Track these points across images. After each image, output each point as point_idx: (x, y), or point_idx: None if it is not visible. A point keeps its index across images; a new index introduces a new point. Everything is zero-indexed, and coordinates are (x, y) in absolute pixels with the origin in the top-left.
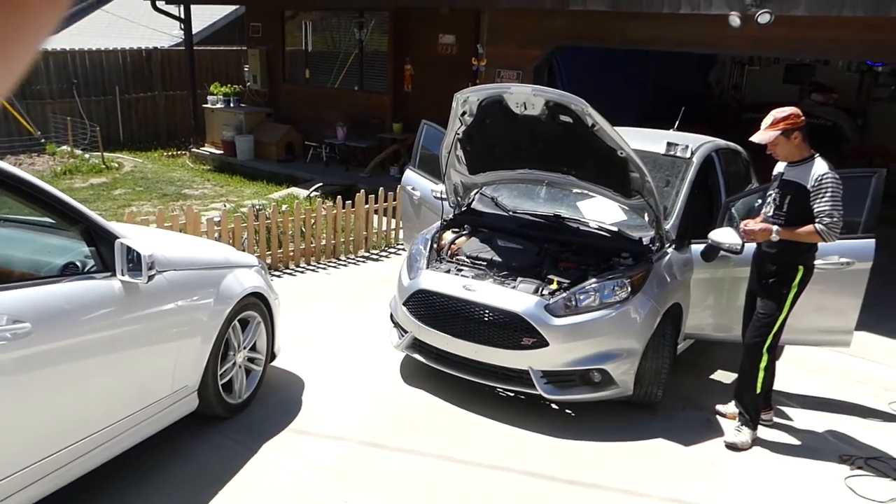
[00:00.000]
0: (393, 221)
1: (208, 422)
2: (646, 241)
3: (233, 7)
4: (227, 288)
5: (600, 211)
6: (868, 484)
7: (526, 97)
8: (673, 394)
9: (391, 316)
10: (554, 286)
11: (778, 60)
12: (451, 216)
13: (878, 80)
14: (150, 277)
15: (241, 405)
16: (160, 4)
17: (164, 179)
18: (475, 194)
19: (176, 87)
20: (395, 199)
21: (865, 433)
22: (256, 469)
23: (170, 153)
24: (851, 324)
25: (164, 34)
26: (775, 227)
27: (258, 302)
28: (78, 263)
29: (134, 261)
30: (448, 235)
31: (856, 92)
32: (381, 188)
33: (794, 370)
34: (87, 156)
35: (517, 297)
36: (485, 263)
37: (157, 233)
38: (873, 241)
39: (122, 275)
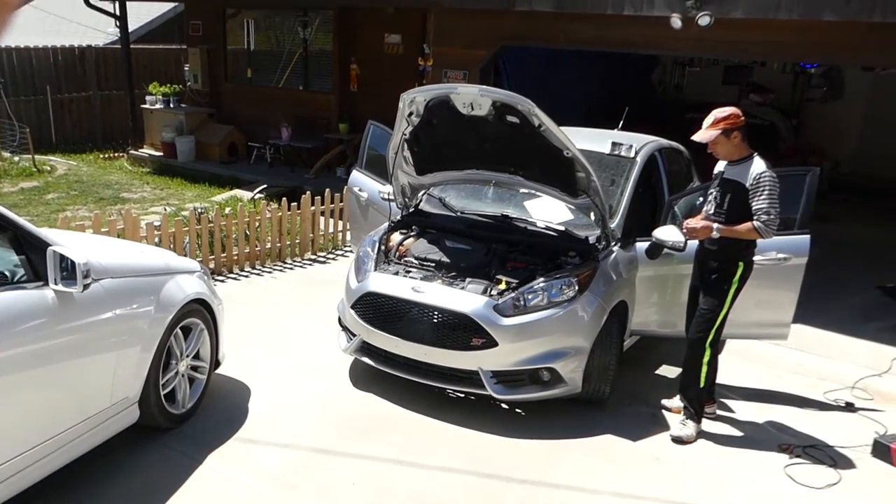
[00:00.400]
0: (340, 223)
1: (151, 433)
2: (592, 239)
3: (171, 4)
4: (167, 295)
5: (547, 210)
6: (806, 471)
7: (473, 97)
8: (620, 390)
9: (339, 319)
10: (502, 286)
11: (717, 62)
12: (398, 217)
13: (811, 81)
14: (86, 286)
15: (184, 415)
16: (94, 1)
17: (101, 183)
18: (423, 195)
19: (112, 87)
20: (341, 201)
21: (803, 422)
22: (203, 480)
23: (106, 155)
24: (789, 317)
25: (98, 32)
26: (716, 225)
27: (201, 308)
28: (6, 273)
29: (68, 269)
30: (396, 237)
31: (790, 93)
32: (327, 189)
33: (735, 363)
34: (16, 159)
35: (466, 298)
36: (433, 264)
37: (93, 239)
38: (808, 237)
39: (56, 284)
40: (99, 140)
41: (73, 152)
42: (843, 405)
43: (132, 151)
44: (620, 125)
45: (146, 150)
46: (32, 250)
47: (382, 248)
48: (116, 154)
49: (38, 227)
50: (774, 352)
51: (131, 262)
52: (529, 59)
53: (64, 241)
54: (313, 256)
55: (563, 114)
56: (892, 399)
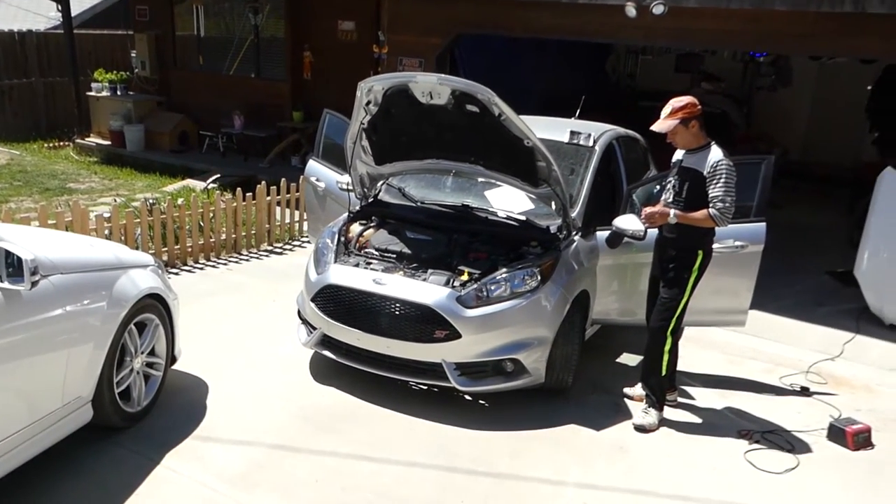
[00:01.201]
0: (297, 213)
1: (105, 433)
2: (553, 229)
3: None
4: (120, 290)
5: (508, 200)
6: (765, 457)
7: (432, 86)
8: (582, 379)
9: (298, 312)
10: (465, 277)
11: (669, 50)
12: (357, 208)
13: (760, 69)
14: (34, 284)
15: (140, 413)
16: None
17: (46, 173)
18: (382, 185)
19: (56, 74)
20: (297, 191)
21: (761, 407)
22: (159, 481)
23: (51, 144)
24: (746, 304)
25: (39, 16)
26: (672, 211)
27: (155, 303)
28: None
29: (14, 266)
30: (356, 228)
31: (740, 81)
32: (283, 179)
33: (692, 350)
34: None
35: (428, 290)
36: (394, 256)
37: (40, 233)
38: (764, 224)
39: (2, 281)
40: (43, 129)
41: (15, 141)
42: (799, 390)
43: (78, 140)
44: (577, 114)
45: (93, 140)
46: None
47: (342, 239)
48: (62, 143)
49: None
50: (730, 338)
51: (81, 257)
52: (485, 47)
53: (9, 236)
54: (270, 247)
55: (519, 102)
56: (845, 383)
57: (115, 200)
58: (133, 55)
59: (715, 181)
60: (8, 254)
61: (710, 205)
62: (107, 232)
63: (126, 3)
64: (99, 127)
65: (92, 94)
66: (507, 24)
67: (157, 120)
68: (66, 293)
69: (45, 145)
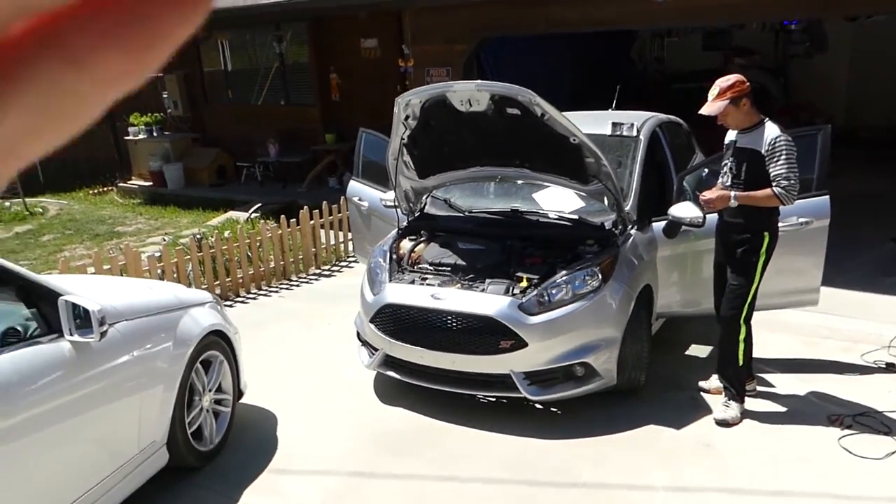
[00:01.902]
0: (340, 234)
1: (182, 474)
2: (608, 225)
3: None
4: (184, 330)
5: (557, 200)
6: (861, 442)
7: (470, 94)
8: (653, 375)
9: (358, 334)
10: (524, 284)
11: (694, 30)
12: (406, 224)
13: (792, 37)
14: (103, 334)
15: (213, 451)
16: None
17: (94, 219)
18: (427, 198)
19: (93, 122)
20: (339, 211)
21: (846, 389)
22: None
23: (96, 191)
24: (817, 282)
25: None
26: (732, 193)
27: (218, 340)
28: (19, 328)
29: (81, 317)
30: (406, 244)
31: (773, 51)
32: (323, 202)
33: (764, 334)
34: (7, 204)
35: (488, 300)
36: (449, 269)
37: (99, 280)
38: (828, 197)
39: (71, 335)
40: (87, 176)
41: (62, 191)
42: (884, 366)
43: (121, 184)
44: (614, 104)
45: (135, 182)
46: (42, 301)
47: (394, 256)
48: (105, 188)
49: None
50: (802, 317)
51: (143, 301)
52: (508, 48)
53: (72, 287)
54: (318, 271)
55: (549, 98)
56: None
57: (164, 239)
58: (165, 96)
59: (775, 158)
60: (75, 306)
61: (774, 183)
62: (159, 271)
63: None
64: (139, 169)
65: (129, 137)
66: (530, 22)
67: (194, 156)
68: (132, 339)
69: (90, 192)
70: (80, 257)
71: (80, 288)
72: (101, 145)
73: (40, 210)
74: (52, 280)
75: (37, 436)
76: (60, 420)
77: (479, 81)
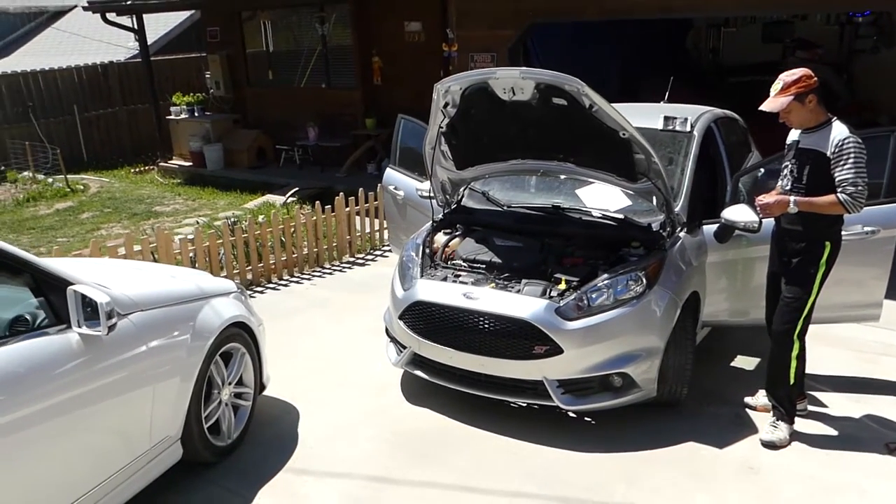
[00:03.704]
0: (376, 222)
1: (196, 469)
2: (656, 226)
3: (187, 13)
4: (203, 322)
5: (601, 198)
6: None
7: (514, 81)
8: (695, 388)
9: (386, 330)
10: (562, 286)
11: (754, 19)
12: (441, 216)
13: (859, 31)
14: (111, 327)
15: (231, 447)
16: (111, 16)
17: (133, 198)
18: (464, 190)
19: (137, 101)
20: (376, 199)
21: None
22: None
23: (137, 169)
24: (880, 296)
25: (120, 47)
26: (792, 198)
27: (240, 332)
28: (27, 317)
29: (91, 308)
30: (440, 238)
31: (837, 45)
32: (360, 188)
33: (818, 348)
34: (50, 180)
35: (524, 302)
36: (484, 266)
37: (120, 267)
38: None
39: (79, 326)
40: (129, 154)
41: (104, 169)
42: None
43: (162, 164)
44: (667, 97)
45: (175, 161)
46: (52, 291)
47: (427, 251)
48: (147, 167)
49: (63, 257)
50: (860, 332)
51: (162, 291)
52: (557, 35)
53: (88, 275)
54: (352, 259)
55: (597, 89)
56: None
57: (198, 222)
58: (207, 76)
59: (842, 162)
60: (83, 297)
61: (839, 189)
62: (191, 254)
63: (198, 26)
64: (180, 149)
65: (171, 117)
66: (579, 8)
67: (234, 138)
68: (147, 331)
69: (132, 171)
70: (115, 236)
71: (98, 275)
72: (144, 124)
73: (81, 187)
74: (65, 268)
75: (42, 428)
76: (67, 413)
77: (523, 68)
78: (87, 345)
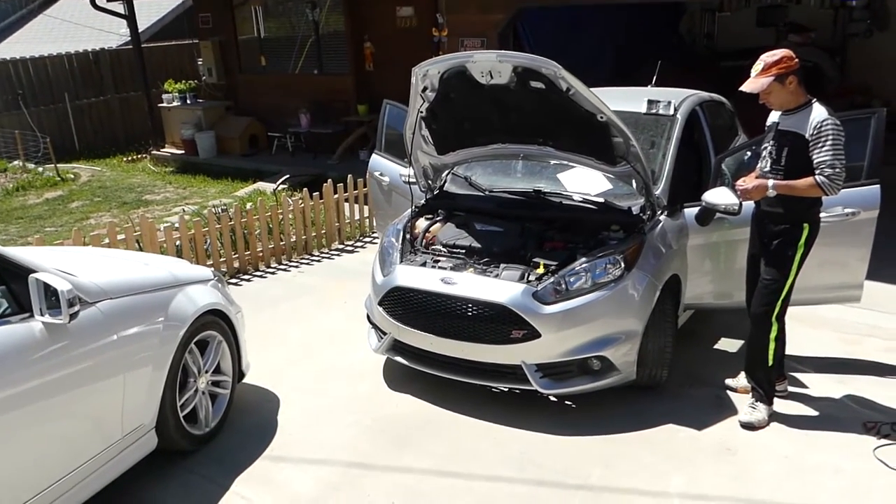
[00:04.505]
0: (366, 209)
1: (174, 457)
2: (635, 210)
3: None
4: (177, 309)
5: (583, 182)
6: None
7: (491, 65)
8: (677, 370)
9: (368, 317)
10: (541, 270)
11: (748, 3)
12: (422, 201)
13: (853, 14)
14: (73, 315)
15: (208, 435)
16: (100, 2)
17: (124, 186)
18: (447, 175)
19: (129, 89)
20: (365, 186)
21: (886, 394)
22: None
23: (129, 158)
24: (861, 277)
25: (111, 34)
26: (771, 182)
27: (217, 320)
28: None
29: (55, 295)
30: (422, 223)
31: (831, 29)
32: (349, 175)
33: (801, 330)
34: (40, 169)
35: (502, 287)
36: (463, 251)
37: (90, 255)
38: (878, 187)
39: (41, 315)
40: (121, 143)
41: (96, 157)
42: None
43: (154, 152)
44: (654, 81)
45: (168, 150)
46: (13, 279)
47: (408, 236)
48: (139, 156)
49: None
50: (842, 313)
51: (132, 279)
52: (549, 19)
53: (58, 263)
54: (340, 246)
55: (589, 74)
56: None
57: (184, 210)
58: (199, 63)
59: (820, 144)
60: (46, 286)
61: (817, 171)
62: (177, 243)
63: (190, 13)
64: (172, 137)
65: (163, 105)
66: None
67: (226, 125)
68: (116, 319)
69: (124, 159)
70: (103, 226)
71: (68, 264)
72: (136, 112)
73: (72, 176)
74: (29, 256)
75: (7, 418)
76: (33, 402)
77: (500, 52)
78: (51, 333)
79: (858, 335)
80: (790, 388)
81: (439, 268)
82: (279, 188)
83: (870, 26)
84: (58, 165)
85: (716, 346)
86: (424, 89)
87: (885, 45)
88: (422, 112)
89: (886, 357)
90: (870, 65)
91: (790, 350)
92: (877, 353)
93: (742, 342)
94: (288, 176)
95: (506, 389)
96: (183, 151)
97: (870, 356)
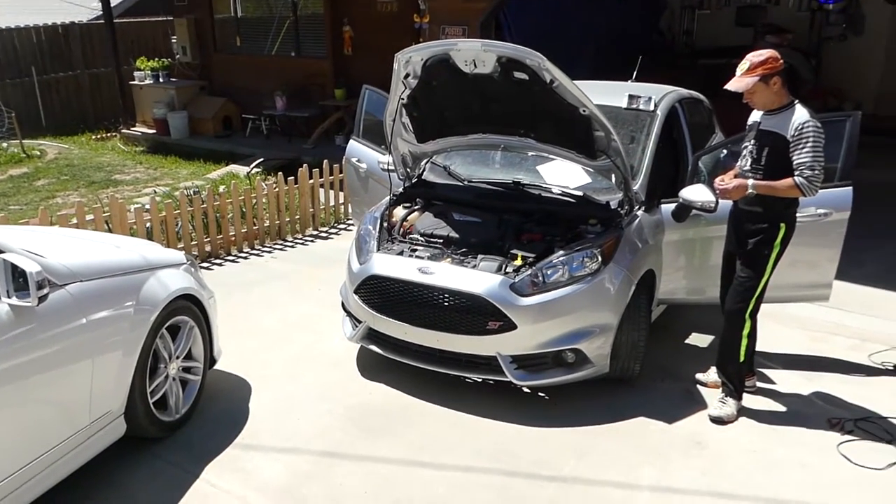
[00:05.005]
0: (341, 195)
1: (143, 443)
2: (614, 204)
3: None
4: (148, 294)
5: (562, 175)
6: (862, 449)
7: (475, 53)
8: (649, 364)
9: (343, 304)
10: (518, 262)
11: (728, 3)
12: (400, 189)
13: (829, 18)
14: (42, 298)
15: (179, 421)
16: None
17: (93, 165)
18: (426, 164)
19: (100, 65)
20: (341, 172)
21: (850, 391)
22: (197, 496)
23: (99, 136)
24: (830, 277)
25: (82, 7)
26: (750, 182)
27: (189, 305)
28: None
29: (22, 277)
30: (399, 211)
31: (807, 32)
32: (325, 161)
33: (771, 327)
34: (4, 145)
35: (479, 278)
36: (441, 241)
37: (62, 236)
38: (850, 189)
39: (9, 297)
40: (90, 120)
41: (64, 134)
42: (892, 368)
43: (124, 130)
44: (634, 76)
45: (139, 129)
46: None
47: (385, 224)
48: (109, 134)
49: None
50: (811, 311)
51: (103, 262)
52: (532, 11)
53: (25, 244)
54: (315, 232)
55: (570, 67)
56: None
57: (155, 192)
58: (174, 41)
59: (801, 145)
60: (14, 266)
61: (797, 172)
62: (147, 225)
63: None
64: (143, 116)
65: (135, 82)
66: None
67: (199, 105)
68: (86, 302)
69: (93, 137)
70: (71, 205)
71: (36, 245)
72: (107, 89)
73: (38, 153)
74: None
75: None
76: None
77: (485, 41)
78: (18, 316)
79: (825, 333)
80: (759, 384)
81: (416, 257)
82: (253, 171)
83: (845, 30)
84: (23, 141)
85: (687, 341)
86: (407, 76)
87: (859, 50)
88: (403, 99)
89: (851, 355)
90: (843, 68)
91: (760, 346)
92: (843, 352)
93: (713, 337)
94: (262, 159)
95: (480, 380)
96: (154, 131)
97: (836, 354)
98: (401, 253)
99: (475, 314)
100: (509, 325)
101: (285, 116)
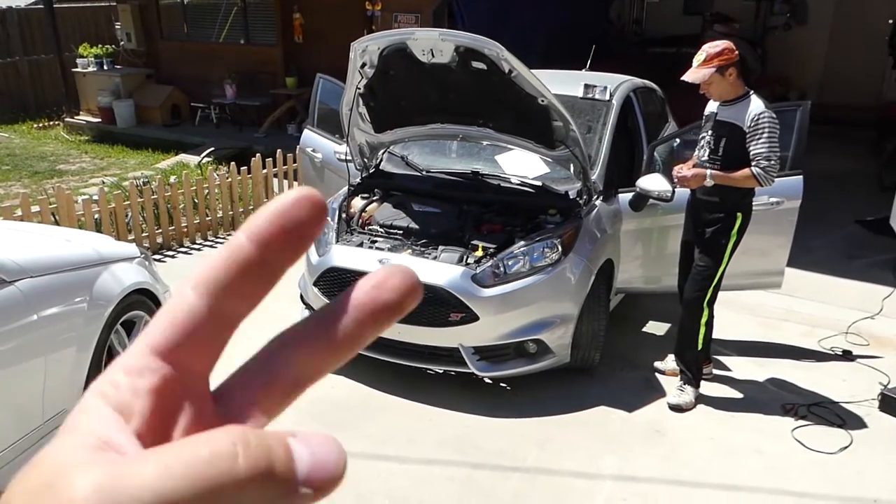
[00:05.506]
0: (296, 184)
1: None
2: (573, 194)
3: None
4: (101, 289)
5: (521, 165)
6: (815, 434)
7: (433, 43)
8: (608, 352)
9: (301, 297)
10: (479, 253)
11: None
12: (358, 180)
13: (774, 7)
14: None
15: None
16: None
17: (35, 155)
18: (383, 154)
19: (40, 51)
20: (295, 161)
21: (803, 376)
22: None
23: (40, 125)
24: (782, 265)
25: None
26: (709, 172)
27: (144, 299)
28: None
29: None
30: (357, 202)
31: (753, 21)
32: (278, 150)
33: (724, 314)
34: None
35: (440, 269)
36: (401, 232)
37: (9, 230)
38: (801, 177)
39: None
40: (31, 108)
41: (3, 123)
42: (841, 354)
43: (68, 119)
44: (588, 65)
45: (83, 117)
46: None
47: (343, 215)
48: (51, 123)
49: None
50: (762, 298)
51: (54, 256)
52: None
53: None
54: None
55: (522, 55)
56: (888, 343)
57: (104, 182)
58: (118, 27)
59: (757, 136)
60: None
61: (753, 162)
62: (96, 216)
63: None
64: (88, 104)
65: (78, 70)
66: None
67: (146, 94)
68: (37, 298)
69: (35, 126)
70: (13, 196)
71: None
72: (48, 76)
73: None
74: None
75: None
76: None
77: (443, 30)
78: None
79: (777, 320)
80: (715, 371)
81: (376, 248)
82: (203, 161)
83: (789, 20)
84: None
85: (644, 330)
86: (363, 65)
87: (803, 39)
88: (360, 88)
89: (803, 341)
90: (788, 57)
91: (715, 333)
92: (794, 338)
93: (669, 325)
94: (213, 148)
95: (442, 372)
96: (99, 120)
97: (788, 340)
98: (360, 244)
99: (437, 306)
100: (471, 317)
101: (235, 105)
